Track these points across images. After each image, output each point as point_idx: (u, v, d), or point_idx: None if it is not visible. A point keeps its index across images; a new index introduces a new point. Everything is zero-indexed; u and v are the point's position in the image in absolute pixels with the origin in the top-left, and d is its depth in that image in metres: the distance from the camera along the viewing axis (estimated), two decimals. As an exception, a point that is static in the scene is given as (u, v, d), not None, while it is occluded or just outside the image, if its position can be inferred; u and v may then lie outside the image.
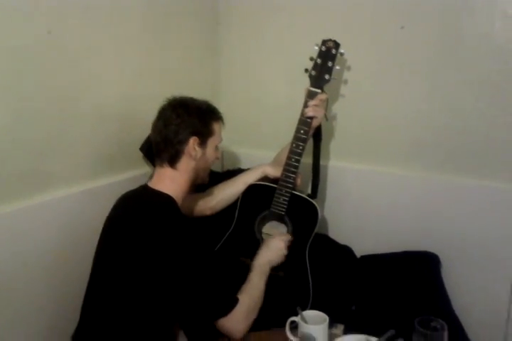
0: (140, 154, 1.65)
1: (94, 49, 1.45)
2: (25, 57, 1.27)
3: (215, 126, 1.35)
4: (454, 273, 1.54)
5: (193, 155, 1.30)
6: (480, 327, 1.49)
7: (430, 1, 1.49)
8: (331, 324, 1.42)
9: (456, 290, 1.52)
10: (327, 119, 1.53)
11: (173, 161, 1.30)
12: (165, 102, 1.33)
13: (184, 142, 1.29)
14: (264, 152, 1.66)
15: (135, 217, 1.24)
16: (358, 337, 1.21)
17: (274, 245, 1.42)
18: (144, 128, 1.40)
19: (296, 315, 1.23)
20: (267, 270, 1.36)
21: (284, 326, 1.25)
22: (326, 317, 1.21)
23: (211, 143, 1.35)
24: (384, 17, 1.57)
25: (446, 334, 1.07)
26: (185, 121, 1.29)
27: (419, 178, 1.60)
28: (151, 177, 1.36)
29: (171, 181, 1.30)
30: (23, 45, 1.25)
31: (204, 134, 1.32)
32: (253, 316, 1.26)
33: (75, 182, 1.46)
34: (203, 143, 1.32)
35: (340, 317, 1.47)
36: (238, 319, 1.22)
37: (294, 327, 1.23)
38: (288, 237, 1.45)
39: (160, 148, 1.31)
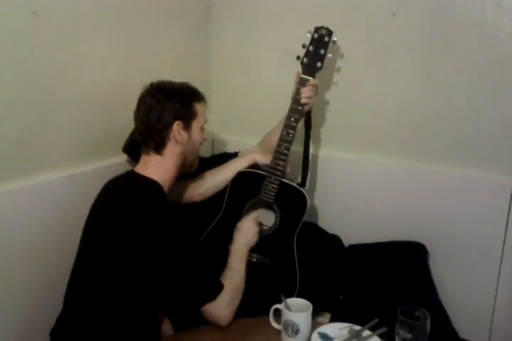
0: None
1: (81, 33, 1.42)
2: (9, 39, 1.24)
3: (198, 107, 1.33)
4: (442, 263, 1.54)
5: (178, 140, 1.28)
6: (466, 316, 1.50)
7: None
8: (318, 312, 1.43)
9: (444, 280, 1.52)
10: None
11: (159, 148, 1.28)
12: (143, 90, 1.31)
13: (168, 127, 1.27)
14: (254, 139, 1.64)
15: (120, 203, 1.23)
16: (342, 325, 1.22)
17: (244, 227, 1.42)
18: (130, 115, 1.38)
19: (281, 302, 1.23)
20: (244, 254, 1.37)
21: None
22: (310, 305, 1.21)
23: (196, 125, 1.33)
24: (376, 4, 1.55)
25: (428, 323, 1.08)
26: (166, 106, 1.27)
27: (408, 168, 1.59)
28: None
29: (157, 167, 1.28)
30: (6, 25, 1.22)
31: (187, 117, 1.30)
32: (237, 301, 1.26)
33: (60, 168, 1.44)
34: (187, 127, 1.30)
35: (328, 306, 1.48)
36: (224, 304, 1.22)
37: (278, 314, 1.23)
38: (255, 214, 1.45)
39: (145, 137, 1.29)
